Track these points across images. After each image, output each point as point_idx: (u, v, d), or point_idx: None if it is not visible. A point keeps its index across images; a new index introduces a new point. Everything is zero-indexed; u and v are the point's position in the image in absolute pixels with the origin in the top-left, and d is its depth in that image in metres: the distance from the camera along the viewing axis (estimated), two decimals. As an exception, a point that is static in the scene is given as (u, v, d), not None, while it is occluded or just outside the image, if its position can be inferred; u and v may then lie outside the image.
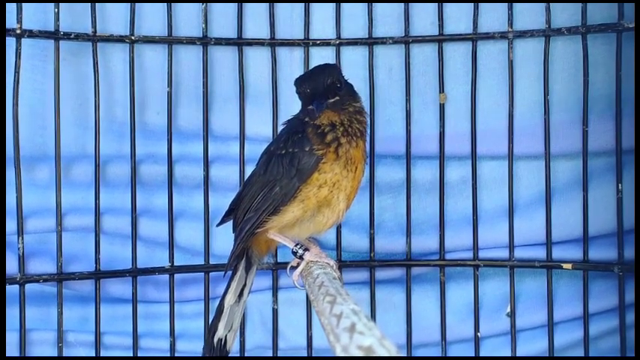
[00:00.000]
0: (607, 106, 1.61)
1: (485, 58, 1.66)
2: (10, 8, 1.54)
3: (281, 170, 1.31)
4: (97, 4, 1.60)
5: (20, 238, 1.54)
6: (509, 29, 1.62)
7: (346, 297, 1.00)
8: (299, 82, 1.35)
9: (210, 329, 1.41)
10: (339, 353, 0.79)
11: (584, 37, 1.58)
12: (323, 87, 1.31)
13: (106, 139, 1.63)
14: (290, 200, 1.30)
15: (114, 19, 1.65)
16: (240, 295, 1.41)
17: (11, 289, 1.56)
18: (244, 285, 1.41)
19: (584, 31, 1.58)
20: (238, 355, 1.65)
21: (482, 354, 1.67)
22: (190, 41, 1.65)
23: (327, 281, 1.14)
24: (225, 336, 1.41)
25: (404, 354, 1.65)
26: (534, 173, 1.67)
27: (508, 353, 1.65)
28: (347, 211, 1.35)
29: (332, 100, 1.31)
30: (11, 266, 1.57)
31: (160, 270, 1.64)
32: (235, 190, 1.60)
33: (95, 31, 1.59)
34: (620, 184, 1.56)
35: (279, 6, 1.68)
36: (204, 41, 1.65)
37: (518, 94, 1.65)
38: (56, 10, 1.56)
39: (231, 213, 1.45)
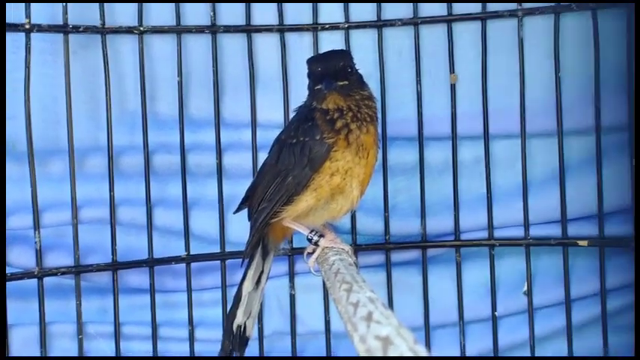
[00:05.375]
0: (619, 81, 1.60)
1: (494, 37, 1.65)
2: (18, 4, 1.53)
3: (293, 160, 1.30)
4: (105, -4, 1.61)
5: (37, 232, 1.55)
6: (519, 7, 1.62)
7: (362, 284, 1.01)
8: (311, 61, 1.37)
9: (229, 316, 1.41)
10: (357, 343, 0.79)
11: (594, 13, 1.57)
12: (334, 68, 1.32)
13: (118, 131, 1.63)
14: (303, 189, 1.30)
15: (122, 10, 1.64)
16: (258, 281, 1.41)
17: (29, 283, 1.57)
18: (262, 272, 1.42)
19: (594, 7, 1.57)
20: (257, 340, 1.66)
21: (500, 333, 1.67)
22: (199, 30, 1.65)
23: (343, 268, 1.14)
24: (245, 323, 1.41)
25: (422, 336, 1.66)
26: (548, 151, 1.66)
27: (526, 332, 1.65)
28: (361, 197, 1.35)
29: (341, 83, 1.32)
30: (29, 260, 1.58)
31: (177, 259, 1.65)
32: (249, 177, 1.61)
33: (104, 24, 1.59)
34: (634, 160, 1.55)
35: (286, -9, 1.67)
36: (213, 29, 1.65)
37: (529, 72, 1.64)
38: (64, 3, 1.56)
39: (247, 200, 1.45)
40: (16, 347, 1.62)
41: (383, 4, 1.66)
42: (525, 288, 1.66)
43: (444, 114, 1.67)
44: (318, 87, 1.32)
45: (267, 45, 1.69)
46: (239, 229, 1.61)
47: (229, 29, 1.66)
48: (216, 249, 1.66)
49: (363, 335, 0.79)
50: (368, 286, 0.99)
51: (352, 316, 0.87)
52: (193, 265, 1.66)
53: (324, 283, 1.58)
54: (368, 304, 0.88)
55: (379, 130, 1.41)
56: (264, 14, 1.68)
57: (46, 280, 1.58)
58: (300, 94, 1.44)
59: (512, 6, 1.62)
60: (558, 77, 1.61)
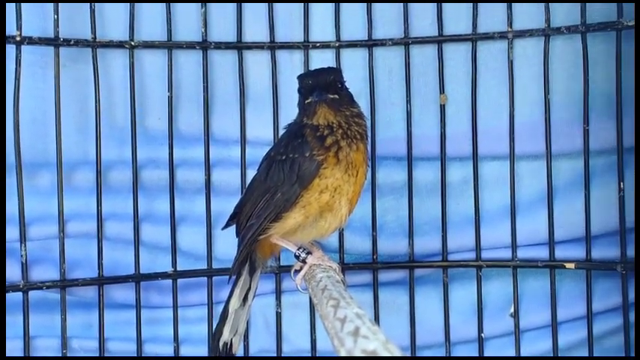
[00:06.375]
0: (607, 104, 1.61)
1: (485, 58, 1.66)
2: (10, 16, 1.53)
3: (282, 176, 1.30)
4: (97, 10, 1.60)
5: (23, 245, 1.54)
6: (509, 29, 1.62)
7: (350, 300, 1.00)
8: (302, 77, 1.38)
9: (216, 333, 1.41)
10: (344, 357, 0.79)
11: (584, 36, 1.58)
12: (325, 81, 1.33)
13: (107, 145, 1.63)
14: (291, 206, 1.29)
15: (113, 24, 1.64)
16: (245, 299, 1.41)
17: (14, 297, 1.56)
18: (249, 289, 1.41)
19: (584, 30, 1.58)
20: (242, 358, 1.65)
21: (486, 355, 1.67)
22: (190, 46, 1.65)
23: (331, 285, 1.14)
24: (231, 340, 1.41)
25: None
26: (536, 173, 1.66)
27: (512, 354, 1.65)
28: (350, 215, 1.35)
29: (332, 96, 1.32)
30: (14, 273, 1.57)
31: (163, 275, 1.64)
32: (237, 193, 1.61)
33: (95, 37, 1.59)
34: (621, 183, 1.56)
35: (278, 9, 1.67)
36: (204, 45, 1.65)
37: (519, 93, 1.64)
38: (55, 16, 1.56)
39: (235, 216, 1.45)
40: (-1, 361, 1.61)
41: (374, 24, 1.66)
42: (512, 310, 1.66)
43: (433, 134, 1.67)
44: (309, 100, 1.33)
45: (257, 62, 1.69)
46: (226, 245, 1.61)
47: (220, 45, 1.66)
48: (203, 265, 1.65)
49: (350, 350, 0.79)
50: (355, 303, 0.99)
51: (339, 331, 0.86)
52: (180, 281, 1.65)
53: (310, 302, 1.58)
54: (355, 319, 0.87)
55: (369, 148, 1.41)
56: (255, 31, 1.68)
57: (31, 293, 1.57)
58: (290, 112, 1.44)
59: (503, 28, 1.63)
60: (547, 99, 1.61)
